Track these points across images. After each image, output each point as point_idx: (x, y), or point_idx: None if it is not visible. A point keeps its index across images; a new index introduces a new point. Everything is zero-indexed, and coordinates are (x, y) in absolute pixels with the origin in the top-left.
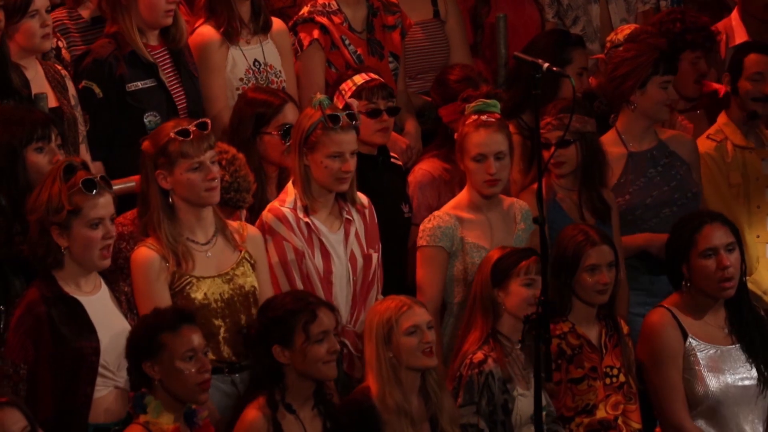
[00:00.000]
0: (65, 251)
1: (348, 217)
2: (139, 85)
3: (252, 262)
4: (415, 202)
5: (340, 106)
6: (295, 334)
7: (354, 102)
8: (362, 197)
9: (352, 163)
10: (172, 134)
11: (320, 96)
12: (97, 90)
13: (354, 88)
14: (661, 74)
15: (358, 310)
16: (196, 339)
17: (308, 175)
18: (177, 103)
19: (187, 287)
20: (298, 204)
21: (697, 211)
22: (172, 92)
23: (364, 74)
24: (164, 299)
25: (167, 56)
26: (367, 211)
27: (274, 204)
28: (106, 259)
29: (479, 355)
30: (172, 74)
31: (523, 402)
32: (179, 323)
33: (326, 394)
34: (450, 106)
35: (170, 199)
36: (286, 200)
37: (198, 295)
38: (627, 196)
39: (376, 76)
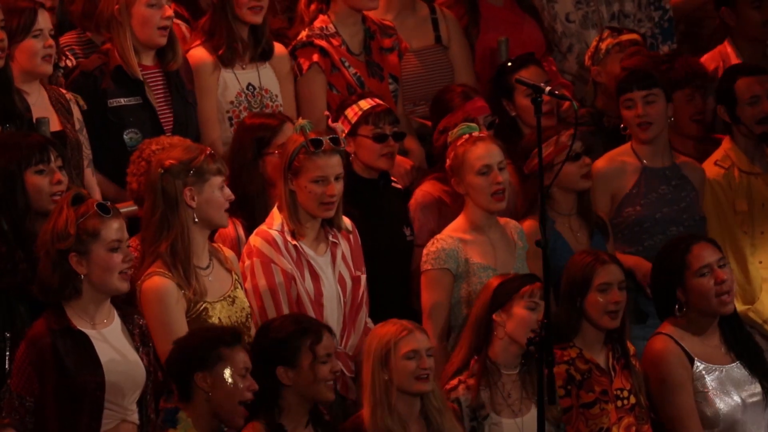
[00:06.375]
0: (83, 279)
1: (333, 240)
2: (122, 101)
3: (240, 282)
4: (417, 223)
5: (346, 131)
6: (301, 355)
7: (338, 126)
8: (347, 221)
9: (336, 187)
10: (208, 150)
11: (302, 121)
12: (81, 102)
13: (360, 113)
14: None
15: (348, 332)
16: (247, 358)
17: (294, 201)
18: (163, 124)
19: (203, 313)
20: (285, 228)
21: (675, 237)
22: (159, 112)
23: (369, 99)
24: (183, 327)
25: (160, 77)
26: (351, 236)
27: (262, 228)
28: (125, 282)
29: (452, 382)
30: (161, 95)
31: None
32: (235, 341)
33: (323, 415)
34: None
35: (195, 220)
36: (273, 224)
37: (214, 320)
38: (638, 207)
39: (381, 102)
